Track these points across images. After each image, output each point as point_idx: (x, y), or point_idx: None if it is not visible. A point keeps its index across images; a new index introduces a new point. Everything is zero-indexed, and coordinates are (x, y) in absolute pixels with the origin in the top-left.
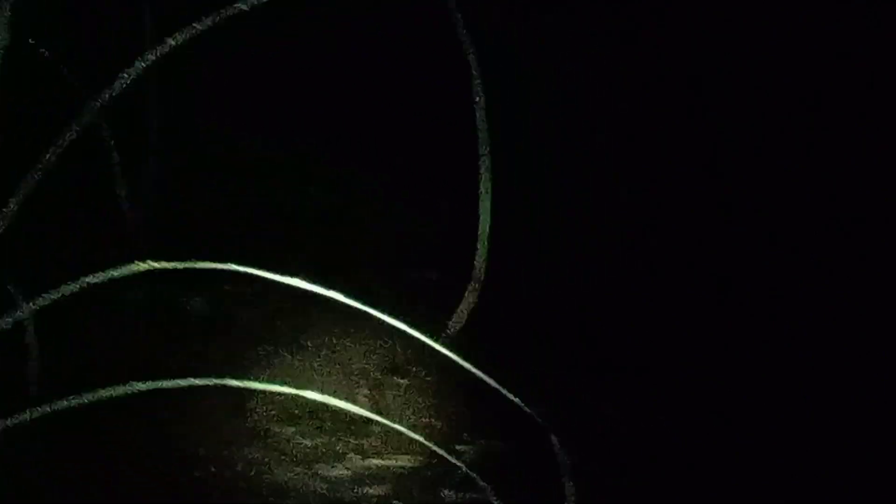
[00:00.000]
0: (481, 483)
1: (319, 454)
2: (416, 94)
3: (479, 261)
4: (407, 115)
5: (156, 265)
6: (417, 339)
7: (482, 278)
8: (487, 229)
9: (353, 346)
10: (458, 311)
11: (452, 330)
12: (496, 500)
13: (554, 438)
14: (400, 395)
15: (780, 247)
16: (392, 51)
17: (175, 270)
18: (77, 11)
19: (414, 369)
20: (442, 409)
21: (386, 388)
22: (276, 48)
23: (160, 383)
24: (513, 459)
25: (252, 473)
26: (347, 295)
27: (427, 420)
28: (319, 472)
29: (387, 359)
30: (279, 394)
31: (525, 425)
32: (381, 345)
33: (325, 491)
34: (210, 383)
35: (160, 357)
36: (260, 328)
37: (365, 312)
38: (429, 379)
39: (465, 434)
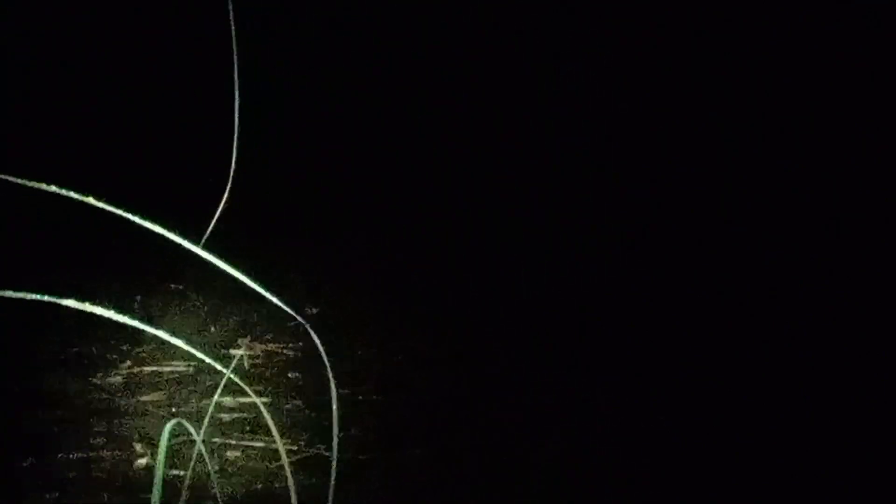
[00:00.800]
0: (248, 388)
1: (92, 362)
2: (176, 28)
3: (233, 161)
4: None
5: None
6: (183, 246)
7: (236, 180)
8: (239, 131)
9: (120, 253)
10: (218, 215)
11: (209, 231)
12: (266, 404)
13: (313, 335)
14: (174, 302)
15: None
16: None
17: None
18: None
19: (186, 275)
20: (215, 314)
21: (159, 295)
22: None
23: None
24: (284, 361)
25: (24, 382)
26: (107, 202)
27: (201, 325)
28: (93, 380)
29: (157, 266)
30: (44, 303)
31: (293, 327)
32: (149, 251)
33: (99, 399)
34: None
35: None
36: (23, 234)
37: (125, 219)
38: (201, 285)
39: (239, 339)
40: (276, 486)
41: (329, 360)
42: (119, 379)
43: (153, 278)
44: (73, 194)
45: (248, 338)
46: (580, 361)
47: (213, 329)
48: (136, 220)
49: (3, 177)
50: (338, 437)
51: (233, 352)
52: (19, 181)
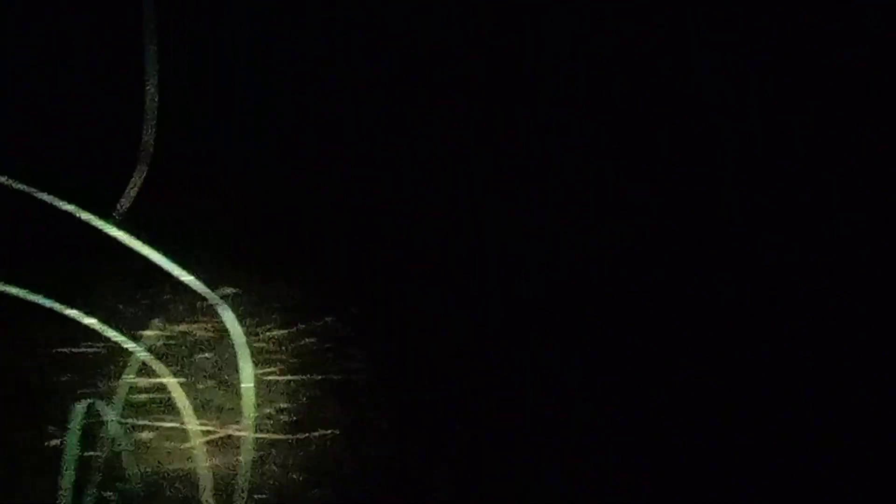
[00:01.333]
0: (161, 368)
1: (3, 343)
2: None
3: (147, 140)
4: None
5: None
6: (91, 222)
7: (150, 159)
8: (155, 110)
9: (31, 233)
10: (127, 191)
11: (122, 210)
12: (177, 384)
13: (227, 315)
14: (87, 282)
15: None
16: None
17: None
18: None
19: (99, 255)
20: (129, 294)
21: (72, 275)
22: None
23: None
24: (197, 341)
25: None
26: (19, 181)
27: (115, 306)
28: (3, 360)
29: (70, 245)
30: None
31: (207, 308)
32: (61, 230)
33: (10, 379)
34: None
35: None
36: None
37: (37, 197)
38: (115, 264)
39: (153, 319)
40: (190, 466)
41: (244, 341)
42: (31, 359)
43: (65, 258)
44: None
45: (162, 318)
46: (500, 334)
47: (126, 309)
48: (48, 198)
49: None
50: (252, 417)
51: (146, 332)
52: None
